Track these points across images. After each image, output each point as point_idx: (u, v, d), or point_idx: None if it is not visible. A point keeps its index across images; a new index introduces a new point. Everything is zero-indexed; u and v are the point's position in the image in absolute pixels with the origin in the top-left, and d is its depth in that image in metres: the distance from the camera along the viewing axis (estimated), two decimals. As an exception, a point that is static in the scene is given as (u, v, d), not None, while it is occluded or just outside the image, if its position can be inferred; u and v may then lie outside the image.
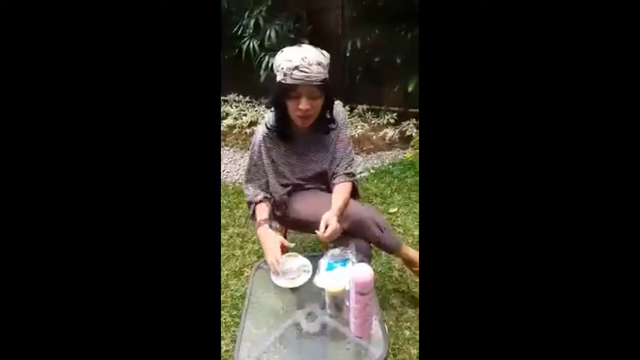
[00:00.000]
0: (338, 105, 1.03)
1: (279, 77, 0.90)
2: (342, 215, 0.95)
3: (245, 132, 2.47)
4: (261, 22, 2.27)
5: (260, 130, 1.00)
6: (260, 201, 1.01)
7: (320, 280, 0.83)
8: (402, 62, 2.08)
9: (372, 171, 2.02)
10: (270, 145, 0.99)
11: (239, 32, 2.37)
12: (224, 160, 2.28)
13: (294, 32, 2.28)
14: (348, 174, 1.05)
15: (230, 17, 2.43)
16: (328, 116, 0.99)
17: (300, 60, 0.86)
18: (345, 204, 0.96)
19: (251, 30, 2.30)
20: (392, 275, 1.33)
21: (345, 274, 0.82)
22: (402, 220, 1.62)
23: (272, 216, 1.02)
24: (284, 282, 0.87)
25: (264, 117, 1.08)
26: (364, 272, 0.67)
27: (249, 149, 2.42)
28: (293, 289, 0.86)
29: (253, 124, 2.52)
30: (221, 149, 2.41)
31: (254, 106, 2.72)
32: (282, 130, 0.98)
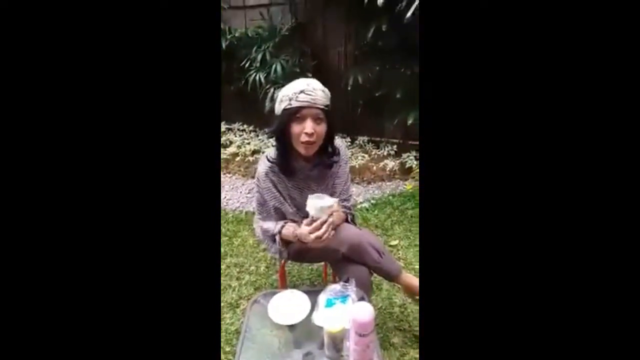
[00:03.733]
0: (338, 140, 1.06)
1: (283, 105, 0.92)
2: (337, 238, 0.95)
3: (248, 160, 2.51)
4: (268, 56, 2.39)
5: (262, 165, 1.01)
6: (283, 226, 1.00)
7: (319, 318, 0.80)
8: (402, 97, 2.16)
9: (372, 201, 2.02)
10: (273, 179, 1.00)
11: (247, 65, 2.48)
12: (225, 187, 2.29)
13: (298, 66, 2.39)
14: (344, 207, 1.05)
15: (239, 51, 2.56)
16: (330, 149, 1.01)
17: (305, 85, 0.91)
18: (336, 215, 0.97)
19: (258, 64, 2.41)
20: (392, 312, 1.28)
21: (345, 312, 0.79)
22: (403, 253, 1.60)
23: (286, 246, 1.01)
24: (281, 319, 0.84)
25: (264, 152, 1.09)
26: (364, 312, 0.65)
27: (251, 177, 2.43)
28: (290, 326, 0.83)
29: (256, 152, 2.57)
30: (223, 176, 2.43)
31: (257, 135, 2.78)
32: (283, 164, 0.99)
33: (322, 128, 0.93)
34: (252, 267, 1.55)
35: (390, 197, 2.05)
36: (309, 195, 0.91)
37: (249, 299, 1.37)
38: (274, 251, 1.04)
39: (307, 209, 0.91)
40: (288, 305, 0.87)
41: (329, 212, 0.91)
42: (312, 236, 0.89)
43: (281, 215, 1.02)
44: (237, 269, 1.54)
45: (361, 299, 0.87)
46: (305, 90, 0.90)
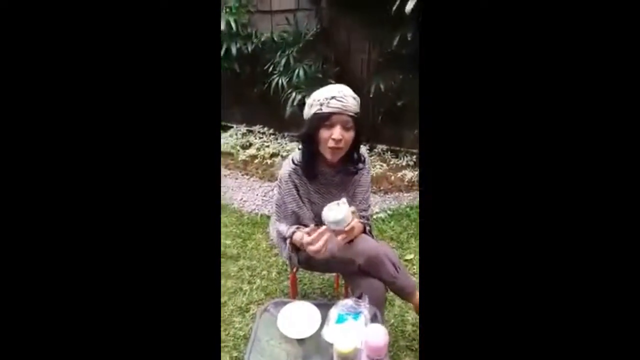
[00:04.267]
0: (362, 148, 1.04)
1: (314, 110, 0.92)
2: (355, 249, 0.92)
3: (266, 163, 2.52)
4: (291, 61, 2.41)
5: (287, 167, 1.01)
6: (295, 231, 0.99)
7: (329, 334, 0.78)
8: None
9: (389, 212, 1.97)
10: (296, 181, 1.00)
11: (270, 69, 2.51)
12: (242, 188, 2.31)
13: (321, 72, 2.39)
14: (362, 217, 1.03)
15: (264, 55, 2.59)
16: (355, 157, 1.00)
17: (337, 92, 0.91)
18: (354, 224, 0.94)
19: (281, 68, 2.43)
20: (405, 330, 1.24)
21: (357, 330, 0.77)
22: (418, 268, 1.55)
23: (296, 252, 1.00)
24: (290, 332, 0.82)
25: (282, 156, 1.08)
26: (378, 335, 0.62)
27: (268, 180, 2.44)
28: (300, 340, 0.81)
29: (274, 155, 2.58)
30: (241, 177, 2.46)
31: (277, 139, 2.80)
32: (307, 167, 0.98)
33: (350, 135, 0.92)
34: (264, 272, 1.55)
35: (408, 209, 1.99)
36: (327, 205, 0.90)
37: (258, 304, 1.36)
38: (285, 255, 1.04)
39: (323, 217, 0.89)
40: (298, 318, 0.85)
41: (344, 226, 0.88)
42: (310, 248, 0.86)
43: (298, 219, 1.01)
44: (249, 273, 1.54)
45: (374, 316, 0.84)
46: (337, 97, 0.89)
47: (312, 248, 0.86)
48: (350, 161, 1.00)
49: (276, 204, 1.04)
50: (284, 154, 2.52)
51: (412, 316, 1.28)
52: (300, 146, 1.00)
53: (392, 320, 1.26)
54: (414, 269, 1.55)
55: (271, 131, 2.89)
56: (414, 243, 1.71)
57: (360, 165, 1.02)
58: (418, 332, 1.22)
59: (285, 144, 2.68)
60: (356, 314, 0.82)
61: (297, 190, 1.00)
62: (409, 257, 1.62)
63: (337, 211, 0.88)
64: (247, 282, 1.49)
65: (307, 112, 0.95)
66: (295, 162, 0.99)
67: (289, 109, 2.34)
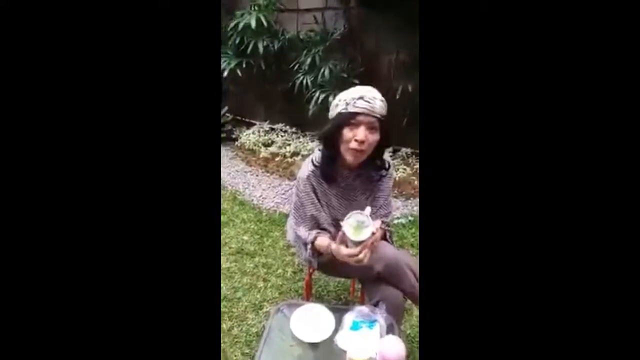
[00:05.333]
0: (385, 155, 1.01)
1: (339, 109, 0.89)
2: (373, 255, 0.88)
3: (287, 161, 2.52)
4: (317, 60, 2.39)
5: (306, 168, 0.99)
6: (316, 236, 0.97)
7: (343, 341, 0.75)
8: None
9: (410, 218, 1.91)
10: (314, 184, 0.98)
11: (295, 68, 2.51)
12: (262, 185, 2.32)
13: (347, 71, 2.36)
14: (382, 223, 0.99)
15: (290, 54, 2.60)
16: (378, 162, 0.97)
17: (365, 92, 0.88)
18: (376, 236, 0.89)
19: (307, 67, 2.43)
20: (422, 342, 1.18)
21: (372, 339, 0.73)
22: (419, 270, 1.48)
23: (318, 256, 0.98)
24: (303, 335, 0.80)
25: (308, 152, 1.05)
26: (395, 348, 0.58)
27: (287, 178, 2.44)
28: (312, 344, 0.79)
29: (295, 154, 2.58)
30: (262, 174, 2.48)
31: (298, 137, 2.80)
32: (326, 169, 0.96)
33: (374, 137, 0.89)
34: (280, 270, 1.54)
35: (430, 216, 1.92)
36: (350, 213, 0.84)
37: (272, 303, 1.36)
38: (304, 258, 1.01)
39: (346, 233, 0.82)
40: (312, 321, 0.83)
41: (368, 238, 0.83)
42: (352, 260, 0.82)
43: (317, 223, 0.99)
44: (265, 270, 1.54)
45: (390, 326, 0.80)
46: (365, 97, 0.87)
47: (356, 258, 0.81)
48: (372, 165, 0.96)
49: (294, 207, 1.01)
50: (305, 153, 2.51)
51: (431, 328, 1.22)
52: (320, 147, 0.97)
53: (409, 331, 1.21)
54: (434, 278, 1.48)
55: (293, 130, 2.89)
56: (436, 251, 1.64)
57: (384, 172, 0.98)
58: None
59: (307, 143, 2.67)
60: (371, 322, 0.78)
61: (316, 193, 0.97)
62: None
63: (361, 223, 0.82)
64: (262, 280, 1.49)
65: (332, 111, 0.92)
66: (315, 162, 0.97)
67: (312, 108, 2.33)
